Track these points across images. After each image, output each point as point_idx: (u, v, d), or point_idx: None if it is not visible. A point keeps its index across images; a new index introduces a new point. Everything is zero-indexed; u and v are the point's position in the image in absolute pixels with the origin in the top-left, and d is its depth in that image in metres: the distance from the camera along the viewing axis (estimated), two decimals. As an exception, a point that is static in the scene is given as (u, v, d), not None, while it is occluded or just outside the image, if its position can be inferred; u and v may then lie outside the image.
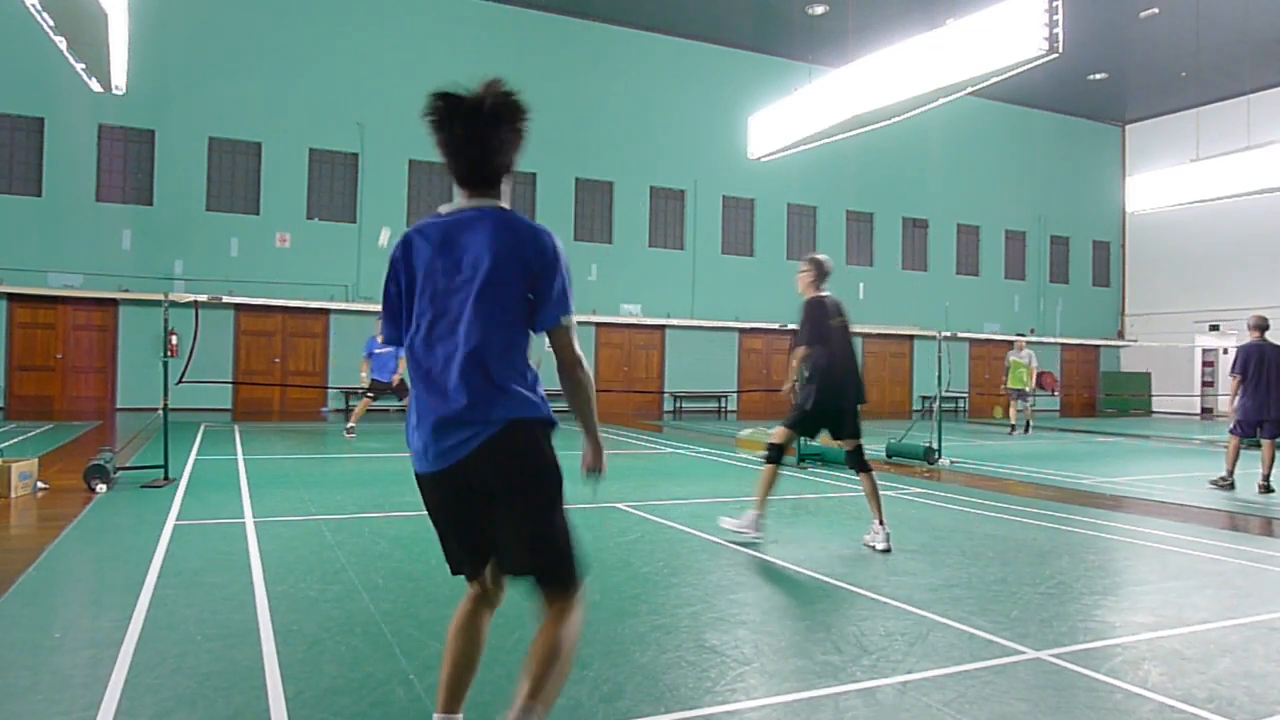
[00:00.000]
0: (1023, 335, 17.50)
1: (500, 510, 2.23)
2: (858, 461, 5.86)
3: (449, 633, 2.43)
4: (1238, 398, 9.13)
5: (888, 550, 5.53)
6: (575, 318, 2.35)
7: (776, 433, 6.02)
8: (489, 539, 2.30)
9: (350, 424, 12.93)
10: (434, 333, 2.25)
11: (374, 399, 12.62)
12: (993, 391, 17.07)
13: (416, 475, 2.33)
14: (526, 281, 2.26)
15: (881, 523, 5.64)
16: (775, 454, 5.92)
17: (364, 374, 12.52)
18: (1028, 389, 16.36)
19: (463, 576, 2.41)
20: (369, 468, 9.78)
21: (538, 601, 2.26)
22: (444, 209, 2.35)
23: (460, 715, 2.43)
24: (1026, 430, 16.59)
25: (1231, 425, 9.36)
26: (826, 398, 5.79)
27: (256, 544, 5.37)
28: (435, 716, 2.44)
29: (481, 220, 2.29)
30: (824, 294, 5.99)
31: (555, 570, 2.25)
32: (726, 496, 7.89)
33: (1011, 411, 16.72)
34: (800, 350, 5.83)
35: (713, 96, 21.48)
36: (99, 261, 16.94)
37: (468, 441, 2.19)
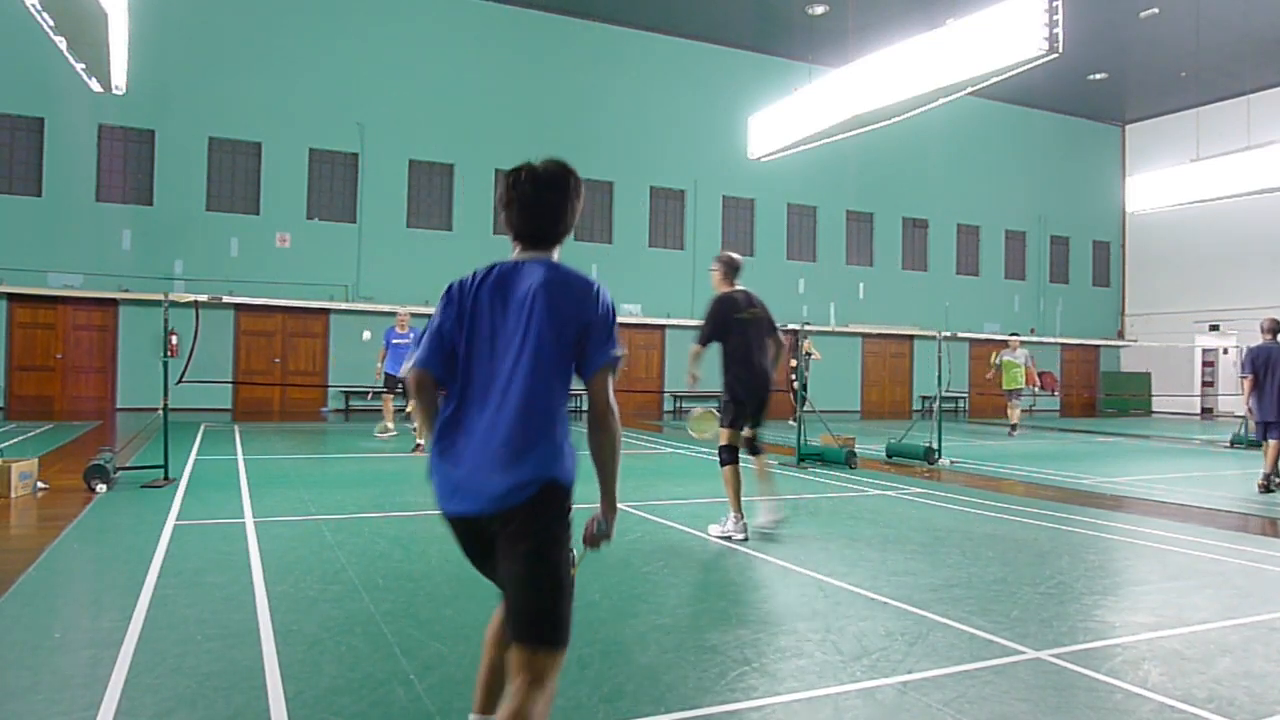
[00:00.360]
0: (1016, 335, 17.39)
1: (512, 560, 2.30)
2: (755, 447, 6.21)
3: (485, 639, 2.56)
4: (1251, 399, 9.10)
5: (745, 539, 5.78)
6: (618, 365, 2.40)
7: (721, 435, 6.08)
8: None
9: (387, 424, 13.02)
10: (484, 377, 2.33)
11: (393, 393, 12.72)
12: (992, 392, 16.90)
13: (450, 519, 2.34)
14: (577, 330, 2.34)
15: (740, 514, 5.88)
16: (728, 455, 6.04)
17: (379, 364, 12.67)
18: (1025, 389, 16.21)
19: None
20: (369, 468, 9.78)
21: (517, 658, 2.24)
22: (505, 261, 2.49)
23: (494, 716, 2.38)
24: (1011, 431, 16.30)
25: (1256, 427, 9.35)
26: (747, 388, 5.98)
27: (256, 544, 5.37)
28: (471, 717, 2.55)
29: (535, 268, 2.40)
30: (735, 289, 6.13)
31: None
32: (726, 496, 7.88)
33: (1014, 412, 16.57)
34: (694, 348, 6.04)
35: (713, 96, 21.48)
36: (99, 261, 16.94)
37: (512, 494, 2.22)
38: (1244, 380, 9.17)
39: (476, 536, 2.33)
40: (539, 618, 2.27)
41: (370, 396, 13.41)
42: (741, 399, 6.01)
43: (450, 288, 2.48)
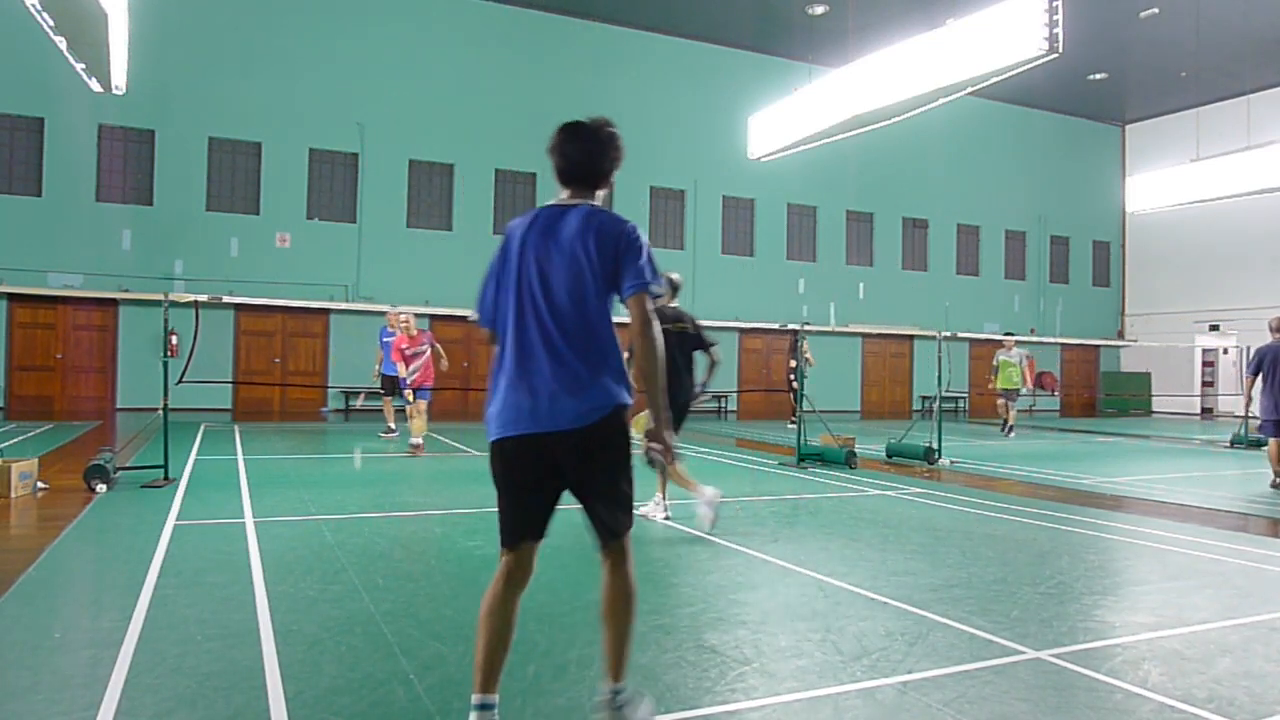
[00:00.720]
0: (1011, 334, 17.30)
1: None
2: None
3: (480, 617, 2.64)
4: (1261, 398, 9.09)
5: (668, 519, 6.28)
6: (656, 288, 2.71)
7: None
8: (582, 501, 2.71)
9: (390, 424, 13.13)
10: (542, 312, 2.62)
11: (391, 395, 12.83)
12: (992, 392, 16.79)
13: (501, 443, 2.63)
14: (614, 261, 2.65)
15: (664, 496, 6.44)
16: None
17: (377, 366, 12.89)
18: (1021, 389, 16.05)
19: (497, 554, 2.72)
20: (369, 468, 9.78)
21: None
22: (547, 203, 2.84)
23: (496, 695, 2.62)
24: (1010, 432, 16.13)
25: (1260, 426, 9.34)
26: (672, 395, 6.24)
27: (256, 544, 5.37)
28: (474, 697, 2.60)
29: (578, 211, 2.72)
30: (667, 305, 6.41)
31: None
32: (726, 496, 7.88)
33: (1007, 412, 16.36)
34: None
35: (713, 96, 21.48)
36: (99, 261, 16.94)
37: (584, 415, 2.61)
38: (1248, 379, 9.16)
39: (538, 455, 2.58)
40: (619, 514, 2.70)
41: (363, 398, 13.47)
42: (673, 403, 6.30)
43: (506, 231, 2.77)
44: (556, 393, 2.56)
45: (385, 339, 12.72)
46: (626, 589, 2.71)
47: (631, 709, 2.61)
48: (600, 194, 2.84)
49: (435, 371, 11.39)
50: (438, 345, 11.48)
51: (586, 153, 2.80)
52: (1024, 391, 16.33)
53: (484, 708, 2.58)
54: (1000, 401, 16.26)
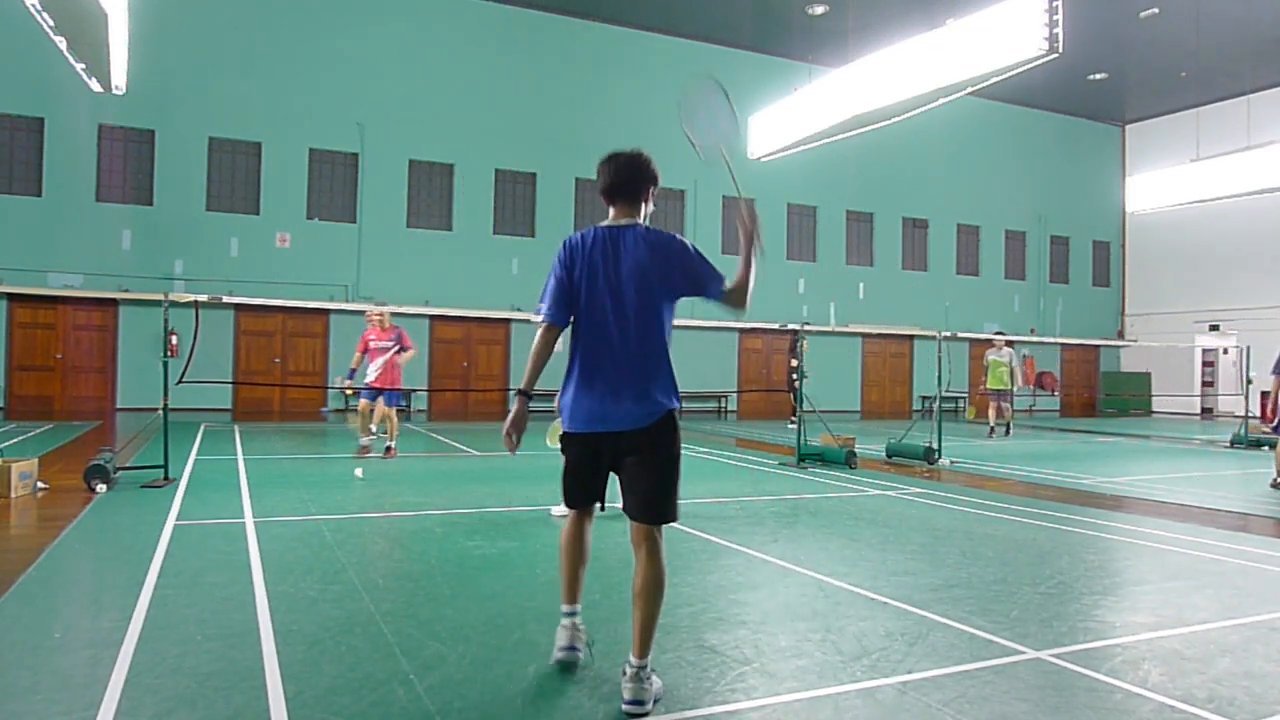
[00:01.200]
0: (1002, 334, 17.20)
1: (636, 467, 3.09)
2: None
3: (562, 546, 3.30)
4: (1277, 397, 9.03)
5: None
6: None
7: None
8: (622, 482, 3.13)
9: (371, 427, 11.50)
10: (608, 323, 3.09)
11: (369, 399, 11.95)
12: (983, 393, 16.63)
13: (572, 436, 3.16)
14: (683, 275, 3.19)
15: None
16: None
17: (356, 369, 11.98)
18: (1011, 388, 15.79)
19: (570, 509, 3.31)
20: (369, 468, 9.76)
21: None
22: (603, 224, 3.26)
23: (579, 604, 3.31)
24: (1008, 433, 15.98)
25: (1275, 424, 9.29)
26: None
27: (256, 544, 5.37)
28: (563, 608, 3.27)
29: (632, 231, 3.19)
30: None
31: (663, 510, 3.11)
32: (726, 496, 7.89)
33: (991, 413, 16.08)
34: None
35: (713, 96, 21.45)
36: (99, 261, 16.94)
37: (641, 418, 3.07)
38: (1275, 378, 9.05)
39: (598, 449, 3.10)
40: (663, 506, 3.06)
41: (342, 396, 12.52)
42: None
43: (567, 245, 3.17)
44: (621, 398, 3.03)
45: (373, 344, 11.96)
46: (659, 576, 3.02)
47: (650, 683, 2.94)
48: (646, 211, 3.28)
49: (399, 374, 10.49)
50: (408, 343, 10.56)
51: (630, 168, 3.24)
52: (1016, 391, 16.13)
53: (571, 614, 3.30)
54: (993, 404, 16.07)
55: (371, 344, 10.41)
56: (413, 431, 14.62)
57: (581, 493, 3.21)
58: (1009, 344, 16.18)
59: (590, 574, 4.55)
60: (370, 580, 4.54)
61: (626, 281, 3.06)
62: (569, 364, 3.14)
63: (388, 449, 10.41)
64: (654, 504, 3.04)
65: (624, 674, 2.93)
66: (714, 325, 21.65)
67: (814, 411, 11.31)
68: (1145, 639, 3.81)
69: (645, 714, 2.86)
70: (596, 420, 3.05)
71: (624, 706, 2.88)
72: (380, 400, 10.37)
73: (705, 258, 3.19)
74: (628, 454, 3.06)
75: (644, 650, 2.95)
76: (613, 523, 6.35)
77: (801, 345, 12.23)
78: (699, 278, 3.15)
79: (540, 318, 3.14)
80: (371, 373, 10.34)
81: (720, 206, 22.16)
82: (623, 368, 3.04)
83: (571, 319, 3.15)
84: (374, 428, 11.28)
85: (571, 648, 3.25)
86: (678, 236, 3.18)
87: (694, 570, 4.98)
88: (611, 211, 3.23)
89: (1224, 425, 20.07)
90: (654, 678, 2.99)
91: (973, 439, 15.28)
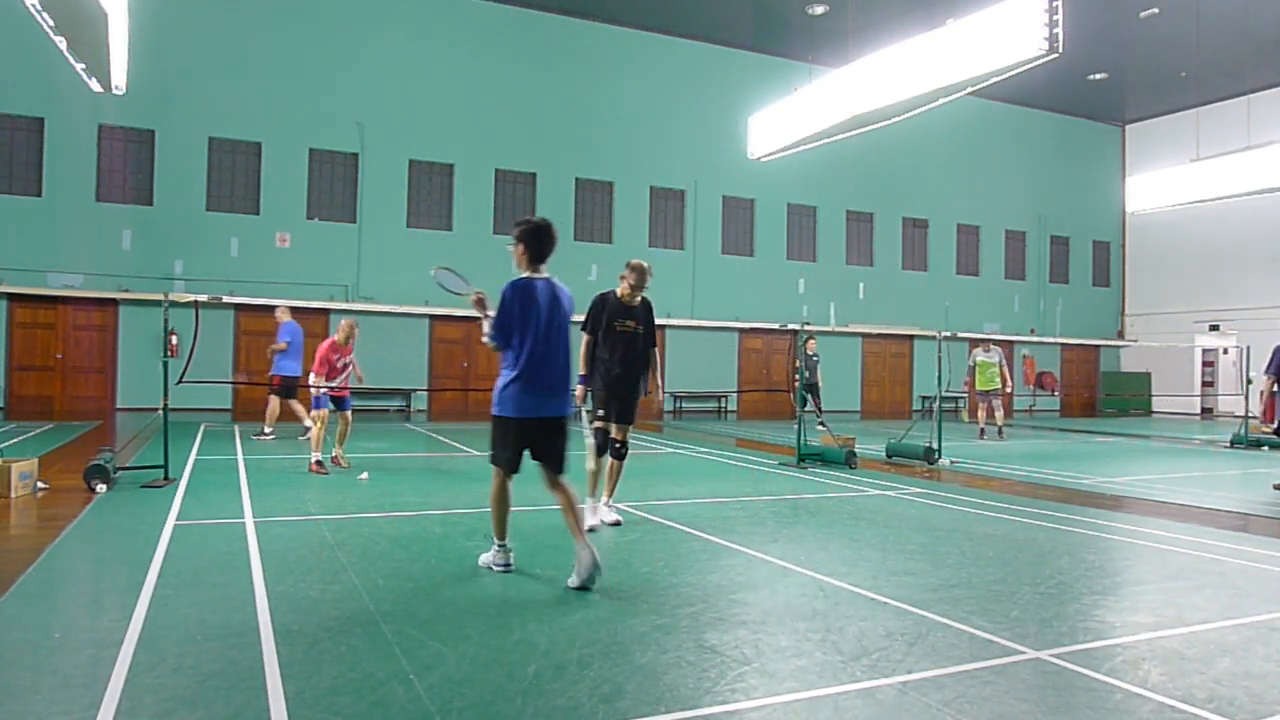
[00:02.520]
0: (992, 336, 17.13)
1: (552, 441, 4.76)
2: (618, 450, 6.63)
3: (494, 498, 4.82)
4: (1276, 398, 9.04)
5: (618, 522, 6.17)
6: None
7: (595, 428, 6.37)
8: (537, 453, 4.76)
9: (268, 429, 12.38)
10: (545, 344, 4.68)
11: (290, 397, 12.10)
12: (970, 393, 16.49)
13: (515, 419, 4.66)
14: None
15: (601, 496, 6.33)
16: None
17: (295, 364, 12.16)
18: (1002, 389, 15.72)
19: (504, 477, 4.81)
20: (369, 468, 9.76)
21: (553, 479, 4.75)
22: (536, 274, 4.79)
23: (509, 540, 4.91)
24: (1000, 434, 15.83)
25: (1277, 426, 9.28)
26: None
27: (256, 544, 5.37)
28: (496, 542, 4.87)
29: (552, 282, 4.82)
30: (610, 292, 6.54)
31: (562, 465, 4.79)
32: (726, 496, 7.89)
33: (982, 413, 15.94)
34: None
35: (713, 96, 21.48)
36: (99, 261, 16.94)
37: (559, 407, 4.75)
38: (1266, 379, 9.06)
39: (536, 429, 4.66)
40: (564, 462, 4.75)
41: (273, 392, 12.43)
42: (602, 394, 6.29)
43: (516, 289, 4.68)
44: (556, 394, 4.72)
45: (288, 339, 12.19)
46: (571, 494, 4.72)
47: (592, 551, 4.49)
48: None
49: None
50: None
51: (553, 246, 4.83)
52: (1008, 391, 15.99)
53: (503, 548, 4.87)
54: (983, 405, 15.86)
55: (337, 364, 9.71)
56: (413, 431, 14.64)
57: (518, 461, 4.75)
58: (994, 344, 16.14)
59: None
60: (370, 580, 4.54)
61: (553, 314, 4.74)
62: (513, 369, 4.70)
63: (335, 458, 9.45)
64: (562, 462, 4.79)
65: (578, 553, 4.48)
66: (714, 325, 21.66)
67: (813, 411, 11.31)
68: (1145, 639, 3.81)
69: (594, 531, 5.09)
70: (541, 409, 4.69)
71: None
72: (344, 410, 9.73)
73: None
74: (547, 433, 4.73)
75: (582, 533, 4.65)
76: (610, 523, 6.35)
77: (804, 344, 12.20)
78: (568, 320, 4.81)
79: (491, 344, 4.69)
80: (335, 381, 9.63)
81: (720, 206, 22.17)
82: (555, 375, 4.76)
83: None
84: (268, 429, 12.18)
85: (508, 565, 4.83)
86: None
87: (694, 570, 4.98)
88: (539, 269, 4.78)
89: (1224, 425, 20.07)
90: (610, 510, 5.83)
91: (972, 439, 15.27)
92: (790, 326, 14.23)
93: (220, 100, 17.82)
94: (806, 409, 15.10)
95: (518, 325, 4.59)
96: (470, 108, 19.71)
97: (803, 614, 4.11)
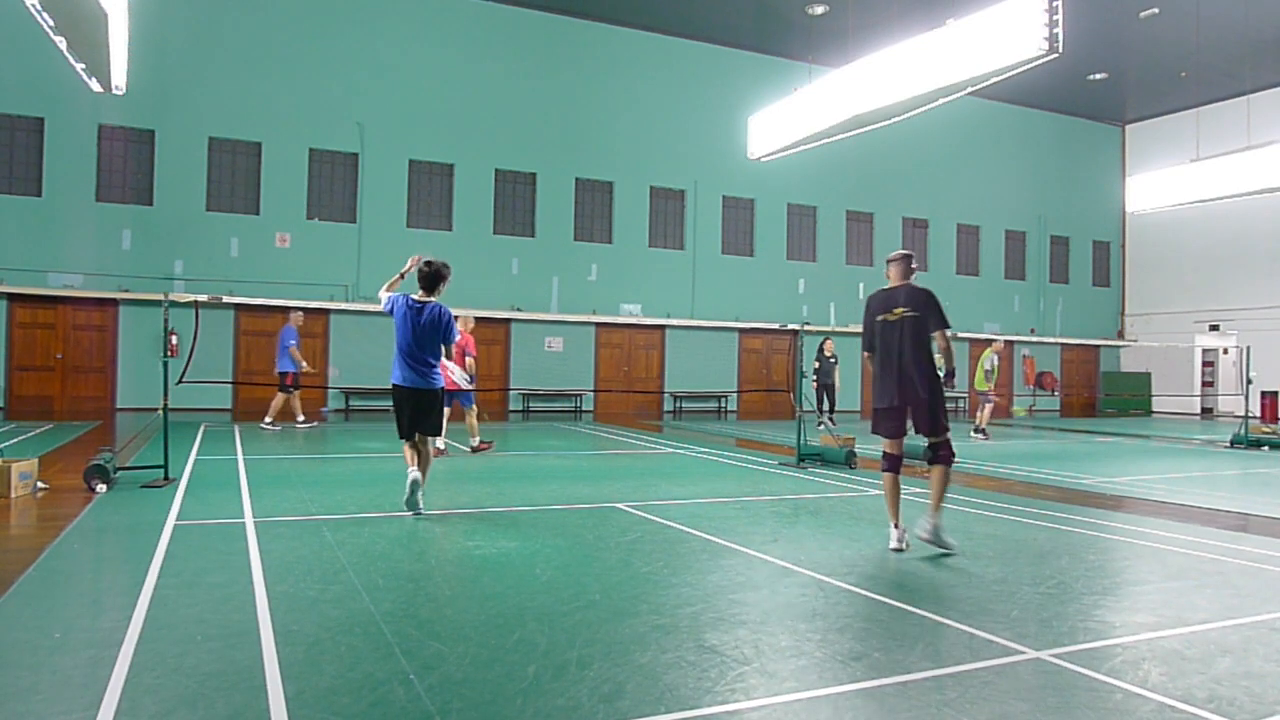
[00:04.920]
0: (995, 338, 17.11)
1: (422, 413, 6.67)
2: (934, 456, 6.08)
3: (406, 454, 6.60)
4: None
5: (901, 550, 5.61)
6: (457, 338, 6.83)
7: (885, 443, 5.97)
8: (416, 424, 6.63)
9: (301, 419, 14.26)
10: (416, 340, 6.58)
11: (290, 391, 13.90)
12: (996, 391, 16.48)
13: (395, 386, 6.56)
14: (442, 329, 6.64)
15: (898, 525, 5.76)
16: (888, 464, 6.00)
17: (304, 364, 14.08)
18: (991, 390, 15.54)
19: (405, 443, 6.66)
20: (369, 468, 9.77)
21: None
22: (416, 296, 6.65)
23: (418, 470, 6.52)
24: (985, 434, 15.66)
25: None
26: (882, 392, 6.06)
27: (256, 544, 5.37)
28: (411, 471, 6.48)
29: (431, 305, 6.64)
30: (893, 286, 6.33)
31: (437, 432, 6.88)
32: (726, 496, 7.89)
33: (985, 413, 15.88)
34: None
35: (713, 96, 21.48)
36: (99, 261, 16.94)
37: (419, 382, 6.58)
38: None
39: (407, 400, 6.53)
40: (436, 428, 6.76)
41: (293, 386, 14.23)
42: (878, 406, 5.79)
43: (397, 304, 6.69)
44: (420, 372, 6.51)
45: (293, 340, 13.93)
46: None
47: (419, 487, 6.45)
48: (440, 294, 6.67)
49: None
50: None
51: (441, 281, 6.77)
52: (994, 398, 15.94)
53: (416, 483, 6.44)
54: (989, 404, 15.92)
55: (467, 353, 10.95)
56: (297, 425, 14.81)
57: (407, 428, 6.59)
58: (989, 344, 16.16)
59: (589, 575, 4.62)
60: (370, 580, 4.54)
61: (429, 327, 6.62)
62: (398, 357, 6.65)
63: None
64: (434, 428, 6.72)
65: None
66: (714, 325, 21.67)
67: (813, 411, 11.30)
68: (1145, 639, 3.81)
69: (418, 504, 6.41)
70: (409, 380, 6.56)
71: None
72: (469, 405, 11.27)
73: (450, 327, 6.65)
74: (418, 404, 6.58)
75: (423, 474, 6.53)
76: (609, 523, 6.35)
77: (822, 345, 12.16)
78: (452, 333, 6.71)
79: (384, 309, 6.91)
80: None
81: (720, 206, 22.17)
82: (422, 363, 6.65)
83: None
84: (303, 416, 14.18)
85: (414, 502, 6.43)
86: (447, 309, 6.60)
87: (694, 570, 4.98)
88: (420, 294, 6.75)
89: (1224, 425, 20.06)
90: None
91: (972, 439, 15.27)
92: (790, 326, 14.22)
93: (220, 100, 17.82)
94: (823, 409, 15.04)
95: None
96: (470, 108, 19.71)
97: (803, 614, 4.11)
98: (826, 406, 15.64)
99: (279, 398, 14.06)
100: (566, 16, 20.54)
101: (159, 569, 4.68)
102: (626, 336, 21.11)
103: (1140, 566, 5.41)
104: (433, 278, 6.65)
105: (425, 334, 6.48)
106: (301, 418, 14.34)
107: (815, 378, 15.63)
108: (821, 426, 12.18)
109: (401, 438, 6.58)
